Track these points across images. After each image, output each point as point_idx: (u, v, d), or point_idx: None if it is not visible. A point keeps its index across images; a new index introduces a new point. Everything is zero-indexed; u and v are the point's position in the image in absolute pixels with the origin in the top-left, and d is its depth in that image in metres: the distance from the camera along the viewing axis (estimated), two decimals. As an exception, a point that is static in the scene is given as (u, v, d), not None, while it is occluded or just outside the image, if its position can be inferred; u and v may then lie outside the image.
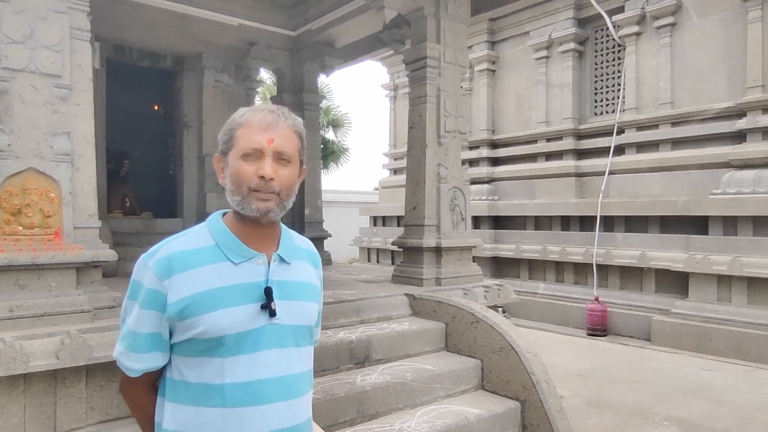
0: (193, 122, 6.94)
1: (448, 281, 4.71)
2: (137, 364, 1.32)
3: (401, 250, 5.03)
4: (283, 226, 1.46)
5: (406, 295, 4.31)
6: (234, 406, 1.27)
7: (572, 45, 8.82)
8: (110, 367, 3.00)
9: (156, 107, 7.77)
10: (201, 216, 6.84)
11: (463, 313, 3.88)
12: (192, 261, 1.30)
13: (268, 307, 1.31)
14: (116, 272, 5.17)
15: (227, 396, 1.27)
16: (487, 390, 3.70)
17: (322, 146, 19.98)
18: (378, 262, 11.74)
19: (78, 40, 3.15)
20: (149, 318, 1.30)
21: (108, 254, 3.17)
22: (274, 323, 1.32)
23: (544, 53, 9.23)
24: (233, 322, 1.28)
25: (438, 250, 4.75)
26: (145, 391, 1.38)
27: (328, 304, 3.90)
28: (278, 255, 1.38)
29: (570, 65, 8.90)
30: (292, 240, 1.47)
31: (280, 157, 1.33)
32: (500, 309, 8.77)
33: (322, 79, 19.02)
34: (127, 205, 7.09)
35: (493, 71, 10.09)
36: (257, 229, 1.36)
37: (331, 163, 20.59)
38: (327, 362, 3.40)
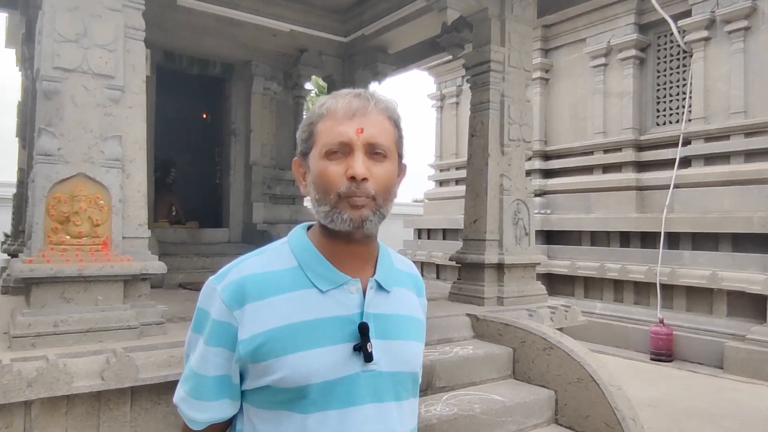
0: (240, 130, 6.80)
1: (511, 301, 4.36)
2: (201, 414, 1.05)
3: (457, 265, 4.72)
4: (381, 244, 1.16)
5: (468, 315, 3.98)
6: None
7: (633, 52, 8.36)
8: (156, 389, 2.79)
9: (204, 115, 7.70)
10: (247, 226, 6.67)
11: (534, 338, 3.53)
12: (269, 287, 1.03)
13: (363, 348, 1.01)
14: (161, 284, 5.03)
15: None
16: (561, 425, 3.33)
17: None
18: (423, 276, 11.38)
19: (132, 40, 2.99)
20: (216, 357, 1.03)
21: (157, 266, 2.97)
22: (370, 370, 1.02)
23: (601, 60, 8.80)
24: (320, 367, 0.99)
25: (500, 267, 4.41)
26: None
27: (385, 324, 3.62)
28: (375, 281, 1.09)
29: (630, 73, 8.44)
30: (392, 261, 1.16)
31: (373, 151, 1.04)
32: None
33: (374, 88, 19.02)
34: (174, 214, 6.99)
35: (547, 80, 9.70)
36: (350, 247, 1.07)
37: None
38: (387, 389, 3.10)
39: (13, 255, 4.64)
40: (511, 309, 4.22)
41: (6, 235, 6.56)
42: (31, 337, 2.58)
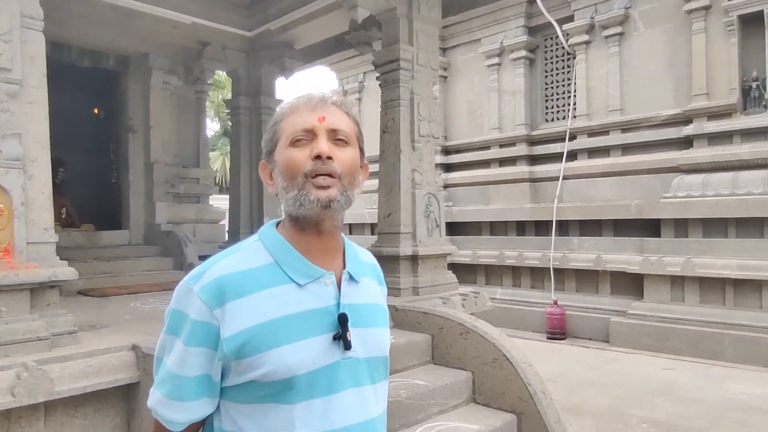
0: (138, 127, 6.47)
1: (426, 290, 4.56)
2: (181, 414, 1.05)
3: (374, 259, 4.84)
4: (344, 237, 1.22)
5: (387, 306, 4.10)
6: None
7: (523, 53, 8.94)
8: (72, 402, 2.65)
9: (96, 110, 7.21)
10: (150, 227, 6.37)
11: (451, 324, 3.73)
12: (249, 284, 1.05)
13: (342, 337, 1.06)
14: (60, 291, 4.69)
15: None
16: (479, 403, 3.57)
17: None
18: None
19: (30, 30, 2.79)
20: (197, 357, 1.03)
21: (68, 272, 2.80)
22: (349, 357, 1.08)
23: (495, 60, 9.32)
24: (304, 358, 1.03)
25: (414, 259, 4.59)
26: None
27: (308, 320, 3.66)
28: (348, 273, 1.14)
29: (522, 72, 9.02)
30: (357, 253, 1.22)
31: (335, 137, 1.09)
32: (459, 315, 8.75)
33: (279, 82, 18.62)
34: (64, 216, 6.51)
35: (445, 78, 10.09)
36: (321, 240, 1.12)
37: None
38: (316, 383, 3.15)
39: None
40: (426, 298, 4.41)
41: None
42: (-75, 356, 2.35)
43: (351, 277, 1.14)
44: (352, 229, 11.19)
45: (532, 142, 9.01)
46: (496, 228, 9.16)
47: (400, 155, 4.62)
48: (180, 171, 6.63)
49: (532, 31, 9.01)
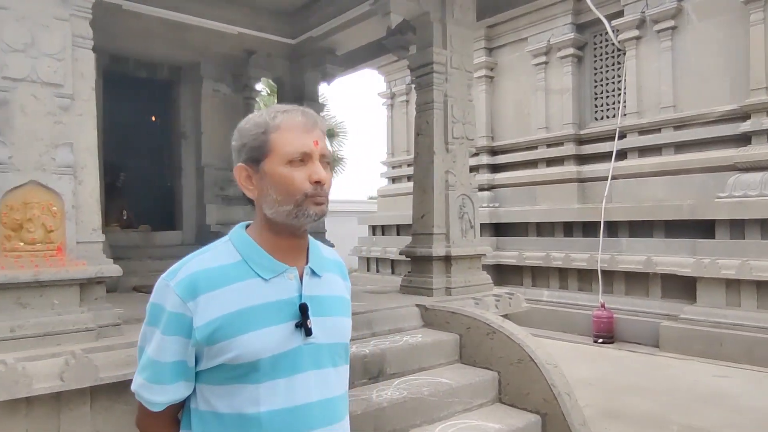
0: (190, 133, 6.82)
1: (459, 291, 4.60)
2: (161, 396, 1.19)
3: (408, 259, 4.93)
4: (310, 237, 1.35)
5: (417, 305, 4.19)
6: None
7: (571, 50, 8.79)
8: (115, 388, 2.87)
9: (153, 118, 7.65)
10: (200, 228, 6.71)
11: (478, 324, 3.77)
12: (218, 279, 1.18)
13: (303, 325, 1.19)
14: (116, 287, 5.03)
15: (264, 425, 1.15)
16: (504, 403, 3.59)
17: (318, 156, 20.00)
18: (378, 271, 11.61)
19: (80, 48, 3.04)
20: (173, 345, 1.17)
21: (113, 269, 3.04)
22: (310, 342, 1.21)
23: (542, 59, 9.20)
24: (268, 343, 1.16)
25: (447, 259, 4.64)
26: (168, 426, 1.25)
27: (338, 317, 3.79)
28: (310, 268, 1.27)
29: (569, 70, 8.86)
30: (321, 251, 1.35)
31: (324, 160, 1.24)
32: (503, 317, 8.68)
33: (323, 88, 19.05)
34: (125, 218, 6.95)
35: (492, 78, 10.05)
36: (290, 240, 1.25)
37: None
38: (341, 378, 3.27)
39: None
40: (459, 298, 4.46)
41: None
42: (-11, 343, 2.63)
43: (313, 272, 1.27)
44: (399, 230, 11.30)
45: (580, 141, 8.83)
46: (542, 229, 9.03)
47: (433, 157, 4.69)
48: (229, 175, 6.93)
49: (579, 28, 8.84)
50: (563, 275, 8.53)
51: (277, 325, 1.18)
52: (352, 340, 3.63)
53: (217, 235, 5.02)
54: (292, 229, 1.23)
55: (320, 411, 1.21)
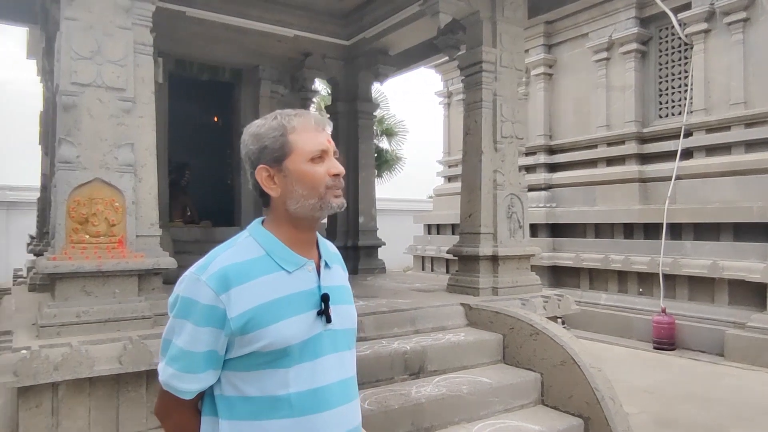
0: (250, 132, 7.09)
1: (506, 291, 4.57)
2: (192, 384, 1.27)
3: (456, 258, 4.94)
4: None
5: (462, 304, 4.20)
6: (302, 415, 1.25)
7: (634, 45, 8.46)
8: (170, 373, 3.06)
9: (215, 119, 8.01)
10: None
11: (521, 325, 3.74)
12: (248, 273, 1.27)
13: (325, 313, 1.30)
14: (175, 280, 5.33)
15: (294, 406, 1.24)
16: (547, 405, 3.55)
17: (376, 155, 20.13)
18: (432, 270, 11.62)
19: (141, 55, 3.26)
20: (206, 335, 1.24)
21: (168, 262, 3.24)
22: (330, 329, 1.32)
23: (603, 55, 8.91)
24: (297, 331, 1.26)
25: (494, 259, 4.62)
26: (192, 413, 1.33)
27: (382, 313, 3.86)
28: (324, 261, 1.38)
29: (632, 66, 8.54)
30: (326, 244, 1.46)
31: (336, 156, 1.37)
32: (560, 320, 8.47)
33: (377, 88, 19.18)
34: (188, 214, 7.31)
35: (550, 75, 9.82)
36: (307, 234, 1.36)
37: (385, 172, 20.63)
38: (381, 372, 3.34)
39: (38, 255, 4.97)
40: (505, 299, 4.43)
41: (31, 237, 6.93)
42: (57, 327, 2.87)
43: (326, 264, 1.38)
44: (454, 229, 11.26)
45: (643, 139, 8.50)
46: (601, 230, 8.76)
47: (481, 156, 4.68)
48: (285, 173, 7.17)
49: (644, 22, 8.50)
50: (622, 278, 8.24)
51: (302, 314, 1.28)
52: (395, 336, 3.72)
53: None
54: (312, 222, 1.35)
55: (339, 390, 1.31)
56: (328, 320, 1.30)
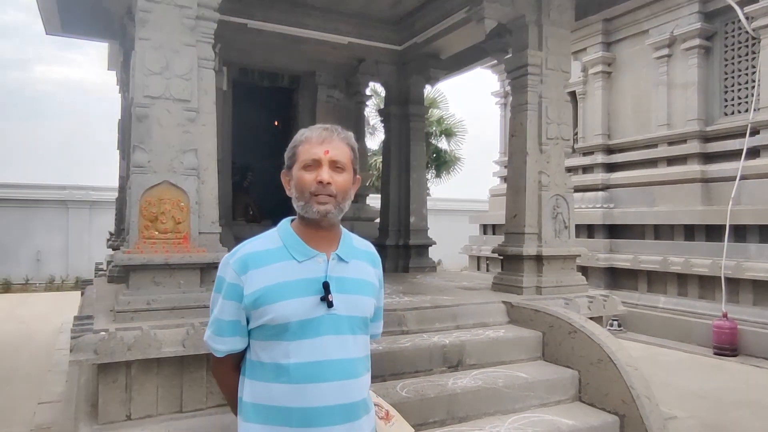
0: (308, 136, 7.44)
1: (550, 290, 4.63)
2: (222, 346, 1.56)
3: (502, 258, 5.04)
4: (344, 230, 1.65)
5: (504, 302, 4.32)
6: (298, 383, 1.47)
7: (698, 41, 8.21)
8: (227, 357, 3.37)
9: (276, 123, 8.43)
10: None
11: (560, 323, 3.83)
12: (263, 260, 1.52)
13: (326, 299, 1.50)
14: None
15: (292, 374, 1.47)
16: (584, 402, 3.62)
17: (435, 156, 20.24)
18: (488, 270, 11.64)
19: (204, 69, 3.59)
20: (230, 307, 1.53)
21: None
22: (332, 313, 1.51)
23: (665, 51, 8.68)
24: (296, 311, 1.48)
25: (539, 259, 4.69)
26: (230, 370, 1.62)
27: (424, 309, 4.05)
28: (336, 254, 1.57)
29: (695, 63, 8.28)
30: (352, 242, 1.65)
31: (335, 166, 1.53)
32: (615, 322, 8.35)
33: (437, 89, 19.29)
34: (251, 213, 7.75)
35: (609, 73, 9.65)
36: (319, 231, 1.56)
37: (444, 173, 20.69)
38: (420, 364, 3.53)
39: (116, 249, 5.49)
40: (549, 298, 4.49)
41: (110, 234, 7.58)
42: (130, 312, 3.24)
43: (340, 258, 1.58)
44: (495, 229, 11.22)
45: (706, 138, 8.23)
46: (661, 232, 8.55)
47: (526, 158, 4.76)
48: (340, 174, 7.46)
49: (708, 17, 8.23)
50: (682, 281, 8.01)
51: (305, 297, 1.50)
52: (436, 330, 3.91)
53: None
54: (313, 222, 1.55)
55: (338, 367, 1.50)
56: (330, 305, 1.49)
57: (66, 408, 4.39)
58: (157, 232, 3.38)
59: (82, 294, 5.93)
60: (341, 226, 1.64)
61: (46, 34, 6.24)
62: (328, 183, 1.50)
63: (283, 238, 1.57)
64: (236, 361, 1.61)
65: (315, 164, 1.52)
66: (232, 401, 1.65)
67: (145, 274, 3.34)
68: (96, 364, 3.09)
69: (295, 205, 1.56)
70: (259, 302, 1.48)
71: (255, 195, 7.94)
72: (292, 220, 1.63)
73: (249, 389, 1.53)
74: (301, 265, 1.53)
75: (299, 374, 1.47)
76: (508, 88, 11.85)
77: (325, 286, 1.50)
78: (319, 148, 1.53)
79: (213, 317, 1.59)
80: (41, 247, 14.68)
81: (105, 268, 6.11)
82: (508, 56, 5.15)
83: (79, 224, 15.10)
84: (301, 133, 1.59)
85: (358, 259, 1.63)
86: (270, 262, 1.52)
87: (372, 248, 1.73)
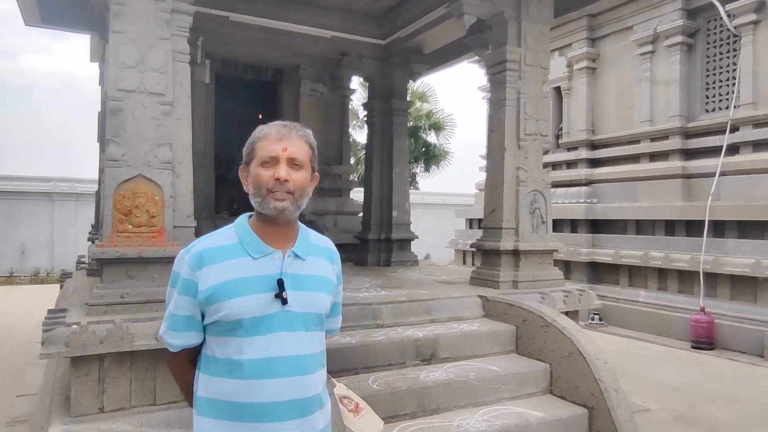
0: (291, 129, 7.44)
1: (526, 285, 4.69)
2: (176, 340, 1.57)
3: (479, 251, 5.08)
4: (302, 226, 1.66)
5: (480, 296, 4.37)
6: (251, 378, 1.48)
7: (680, 38, 8.27)
8: (201, 351, 3.40)
9: (260, 116, 8.40)
10: (299, 216, 7.31)
11: (533, 317, 3.88)
12: (219, 256, 1.53)
13: (280, 296, 1.51)
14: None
15: (245, 369, 1.48)
16: (555, 395, 3.68)
17: (424, 149, 20.27)
18: (473, 264, 11.69)
19: (179, 62, 3.58)
20: (185, 303, 1.54)
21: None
22: (286, 310, 1.52)
23: (648, 48, 8.75)
24: (249, 307, 1.49)
25: (516, 253, 4.75)
26: (185, 365, 1.63)
27: (400, 303, 4.09)
28: (292, 251, 1.57)
29: (678, 59, 8.35)
30: (309, 238, 1.65)
31: (293, 163, 1.54)
32: (596, 316, 8.45)
33: (426, 83, 19.28)
34: (234, 207, 7.74)
35: (593, 69, 9.71)
36: (276, 228, 1.57)
37: (433, 167, 20.74)
38: (393, 357, 3.57)
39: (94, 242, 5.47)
40: (525, 292, 4.55)
41: (92, 226, 7.55)
42: (103, 306, 3.25)
43: (296, 255, 1.58)
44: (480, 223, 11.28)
45: (687, 134, 8.31)
46: (642, 227, 8.64)
47: (504, 153, 4.80)
48: (324, 168, 7.46)
49: (691, 14, 8.30)
50: (662, 276, 8.11)
51: (259, 294, 1.51)
52: (410, 324, 3.94)
53: (311, 224, 5.54)
54: (270, 219, 1.55)
55: (291, 363, 1.52)
56: (284, 302, 1.50)
57: (42, 401, 4.39)
58: (131, 226, 3.39)
59: (61, 287, 5.92)
60: (299, 222, 1.65)
61: (26, 24, 6.18)
62: (286, 180, 1.50)
63: (240, 234, 1.57)
64: (192, 356, 1.62)
65: (273, 161, 1.52)
66: (188, 395, 1.67)
67: (119, 267, 3.35)
68: (69, 357, 3.10)
69: (252, 201, 1.56)
70: (213, 298, 1.49)
71: (239, 188, 7.92)
72: (250, 216, 1.63)
73: (203, 384, 1.55)
74: (256, 262, 1.53)
75: (252, 370, 1.48)
76: (494, 83, 11.89)
77: (280, 283, 1.51)
78: (278, 145, 1.53)
79: (168, 312, 1.59)
80: (26, 240, 14.58)
81: (87, 262, 6.10)
82: (487, 52, 5.18)
83: (64, 217, 15.00)
84: (260, 130, 1.59)
85: (315, 256, 1.63)
86: (225, 259, 1.52)
87: (330, 244, 1.74)
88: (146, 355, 3.21)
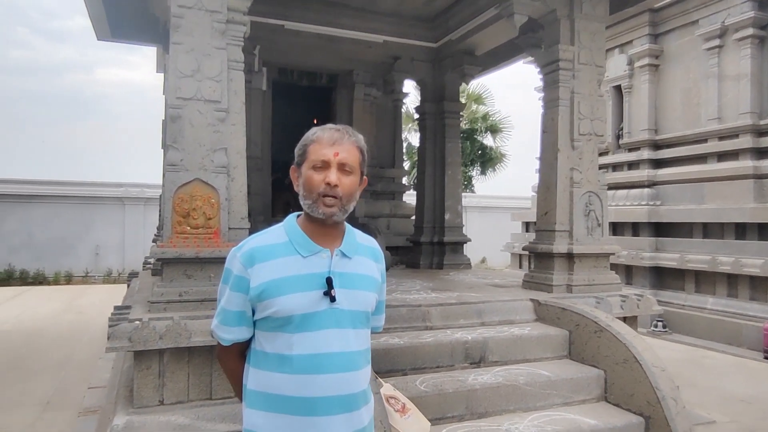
0: (345, 133, 7.56)
1: (581, 289, 4.56)
2: (228, 335, 1.64)
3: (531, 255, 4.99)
4: (348, 225, 1.69)
5: (531, 300, 4.29)
6: (299, 374, 1.53)
7: (751, 31, 7.82)
8: (254, 348, 3.51)
9: (315, 121, 8.58)
10: (351, 220, 7.37)
11: (586, 321, 3.77)
12: (270, 254, 1.58)
13: (328, 293, 1.55)
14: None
15: (294, 365, 1.53)
16: (609, 402, 3.56)
17: (480, 152, 20.06)
18: (530, 268, 11.45)
19: (234, 71, 3.73)
20: (236, 299, 1.59)
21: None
22: (334, 307, 1.56)
23: (716, 42, 8.32)
24: (299, 304, 1.54)
25: (570, 257, 4.63)
26: (235, 358, 1.69)
27: (449, 305, 4.07)
28: (340, 250, 1.62)
29: (748, 53, 7.90)
30: (355, 238, 1.69)
31: (343, 168, 1.57)
32: (660, 323, 8.08)
33: (482, 85, 19.09)
34: (290, 210, 7.93)
35: (656, 66, 9.33)
36: (324, 228, 1.61)
37: (489, 169, 20.48)
38: (441, 359, 3.56)
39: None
40: (580, 296, 4.43)
41: (157, 228, 7.93)
42: (163, 303, 3.42)
43: (343, 254, 1.62)
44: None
45: (759, 132, 7.84)
46: (710, 230, 8.21)
47: (557, 154, 4.70)
48: (377, 171, 7.54)
49: (762, 5, 7.84)
50: (732, 282, 7.68)
51: (308, 291, 1.55)
52: (460, 327, 3.94)
53: (364, 227, 5.70)
54: (318, 220, 1.59)
55: (339, 359, 1.56)
56: (332, 300, 1.55)
57: (110, 393, 4.65)
58: (189, 228, 3.54)
59: (128, 286, 6.25)
60: (345, 222, 1.69)
61: (98, 39, 6.59)
62: (335, 185, 1.55)
63: (289, 233, 1.62)
64: (242, 350, 1.68)
65: (324, 165, 1.56)
66: (237, 388, 1.73)
67: (177, 267, 3.51)
68: (132, 352, 3.27)
69: (301, 202, 1.61)
70: (264, 295, 1.54)
71: (294, 191, 8.12)
72: (298, 216, 1.69)
73: (253, 377, 1.60)
74: (305, 260, 1.58)
75: (301, 365, 1.53)
76: (551, 83, 11.63)
77: (328, 281, 1.56)
78: (329, 150, 1.56)
79: (220, 307, 1.65)
80: (100, 242, 15.46)
81: (151, 262, 6.42)
82: (540, 52, 5.09)
83: (134, 220, 15.81)
84: (313, 132, 1.63)
85: (361, 255, 1.67)
86: (276, 257, 1.58)
87: (374, 243, 1.77)
88: (203, 351, 3.35)
